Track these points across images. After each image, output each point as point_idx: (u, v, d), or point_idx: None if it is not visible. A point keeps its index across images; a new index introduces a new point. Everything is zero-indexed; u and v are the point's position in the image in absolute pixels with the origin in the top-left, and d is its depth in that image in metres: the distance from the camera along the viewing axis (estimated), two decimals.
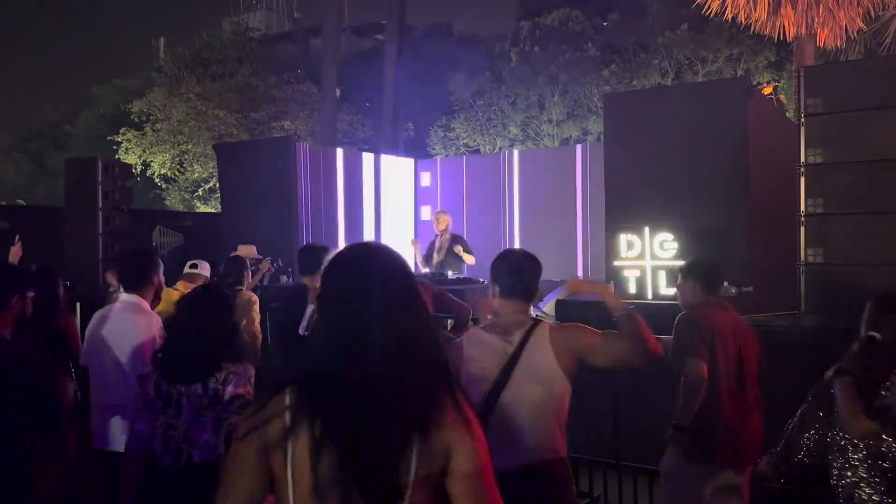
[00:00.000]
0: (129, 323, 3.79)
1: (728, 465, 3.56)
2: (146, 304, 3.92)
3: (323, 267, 1.64)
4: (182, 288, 5.29)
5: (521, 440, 2.63)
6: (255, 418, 1.54)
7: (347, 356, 1.53)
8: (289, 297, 4.94)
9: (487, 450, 1.59)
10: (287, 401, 1.53)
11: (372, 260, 1.62)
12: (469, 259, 8.07)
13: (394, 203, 11.51)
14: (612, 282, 6.19)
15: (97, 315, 3.96)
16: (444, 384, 1.58)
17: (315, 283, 5.09)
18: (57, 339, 4.13)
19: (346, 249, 1.67)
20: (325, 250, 5.36)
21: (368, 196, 11.11)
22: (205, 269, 5.64)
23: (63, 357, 4.11)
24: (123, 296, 3.93)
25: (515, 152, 11.62)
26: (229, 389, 2.97)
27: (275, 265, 7.71)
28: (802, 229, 5.13)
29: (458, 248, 8.09)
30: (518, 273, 2.82)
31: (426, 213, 11.60)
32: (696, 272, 3.83)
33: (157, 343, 3.66)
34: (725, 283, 5.79)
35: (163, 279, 4.12)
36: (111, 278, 7.27)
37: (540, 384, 2.63)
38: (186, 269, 5.61)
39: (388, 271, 1.60)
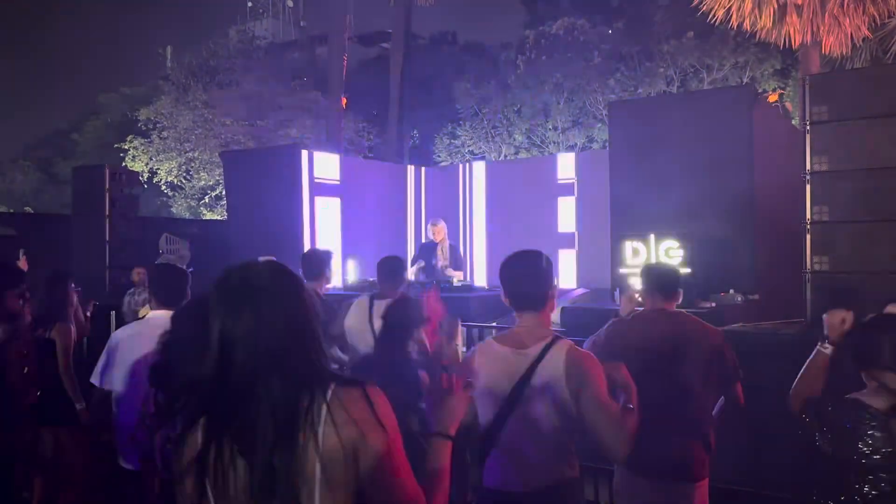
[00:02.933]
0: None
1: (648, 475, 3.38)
2: None
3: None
4: None
5: (531, 460, 2.52)
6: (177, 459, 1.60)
7: (225, 363, 1.57)
8: None
9: (400, 444, 1.59)
10: (199, 434, 1.58)
11: (249, 270, 1.65)
12: (458, 275, 8.15)
13: (396, 211, 11.56)
14: (617, 290, 6.19)
15: (124, 334, 3.71)
16: (321, 382, 1.58)
17: (319, 288, 5.08)
18: (45, 347, 4.10)
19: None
20: (329, 255, 5.34)
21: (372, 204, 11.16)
22: None
23: (49, 365, 4.07)
24: (157, 312, 3.68)
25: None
26: None
27: None
28: (808, 237, 5.11)
29: (450, 268, 8.20)
30: (523, 282, 2.64)
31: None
32: (648, 279, 3.63)
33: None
34: (731, 291, 5.80)
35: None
36: (139, 276, 7.12)
37: (552, 404, 2.48)
38: None
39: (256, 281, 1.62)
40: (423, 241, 8.90)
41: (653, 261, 5.83)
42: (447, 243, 8.41)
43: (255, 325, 1.55)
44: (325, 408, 1.53)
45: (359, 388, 1.59)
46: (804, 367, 2.89)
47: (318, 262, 4.92)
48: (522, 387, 2.49)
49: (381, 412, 1.57)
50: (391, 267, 4.68)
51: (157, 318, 3.66)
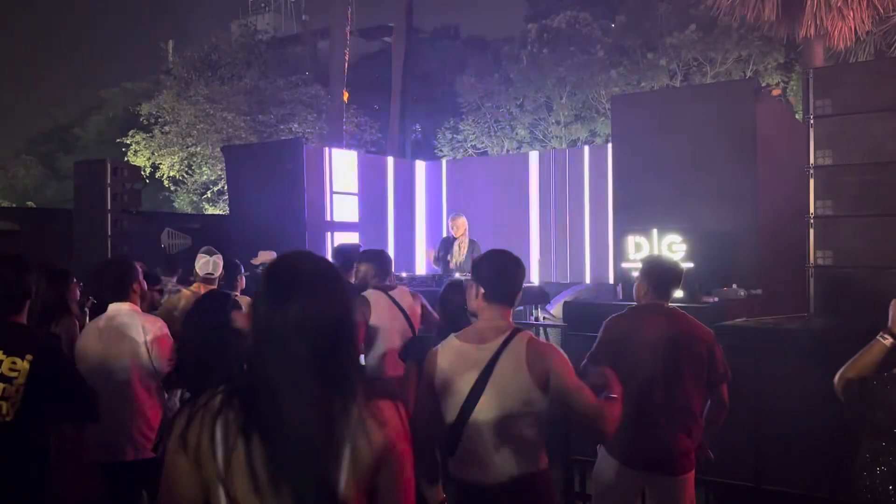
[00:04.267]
0: (137, 327, 3.75)
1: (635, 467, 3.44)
2: (140, 310, 3.91)
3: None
4: (195, 289, 5.28)
5: (496, 454, 2.54)
6: (183, 421, 1.57)
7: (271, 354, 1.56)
8: None
9: (412, 462, 1.63)
10: (217, 403, 1.56)
11: (299, 261, 1.65)
12: None
13: (402, 205, 11.55)
14: (620, 285, 6.17)
15: (90, 327, 3.89)
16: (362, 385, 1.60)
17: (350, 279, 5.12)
18: (54, 342, 4.14)
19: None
20: (358, 248, 5.37)
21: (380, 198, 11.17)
22: (217, 268, 5.48)
23: None
24: (116, 305, 3.84)
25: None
26: None
27: None
28: (811, 231, 5.09)
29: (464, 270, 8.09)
30: (504, 276, 2.71)
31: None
32: (645, 273, 3.66)
33: (171, 340, 3.69)
34: (734, 285, 5.78)
35: (144, 284, 4.09)
36: (167, 278, 7.10)
37: (515, 398, 2.52)
38: (201, 272, 5.46)
39: (305, 274, 1.62)
40: (444, 235, 8.78)
41: (655, 254, 5.81)
42: (466, 240, 8.19)
43: (300, 315, 1.54)
44: (356, 409, 1.55)
45: (388, 396, 1.63)
46: (858, 354, 2.87)
47: (349, 256, 4.98)
48: (484, 380, 2.54)
49: (407, 424, 1.62)
50: (346, 257, 4.73)
51: (119, 309, 3.82)
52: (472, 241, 8.18)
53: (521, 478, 2.54)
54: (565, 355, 2.62)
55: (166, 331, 3.81)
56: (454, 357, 2.64)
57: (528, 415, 2.53)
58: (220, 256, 5.39)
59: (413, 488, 1.64)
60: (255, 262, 7.31)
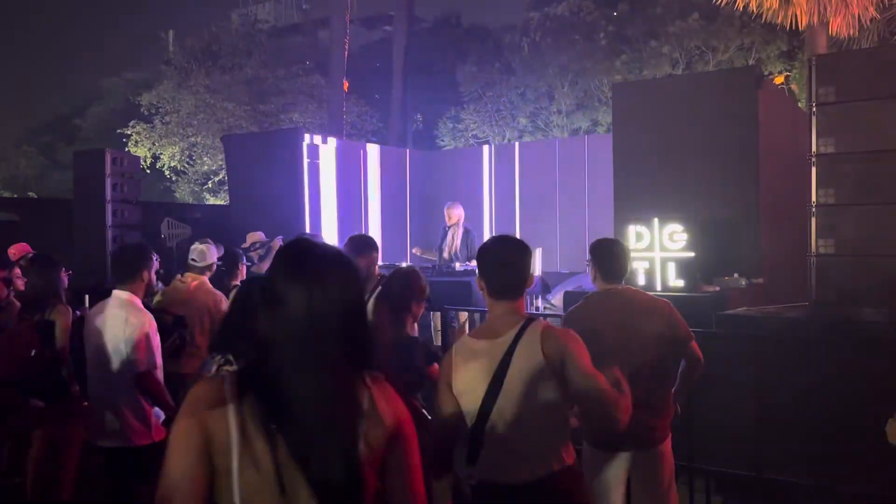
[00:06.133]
0: (121, 320, 3.80)
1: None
2: (139, 301, 3.94)
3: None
4: (188, 279, 5.27)
5: (520, 450, 2.47)
6: (194, 400, 1.55)
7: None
8: None
9: (418, 450, 1.66)
10: (226, 385, 1.54)
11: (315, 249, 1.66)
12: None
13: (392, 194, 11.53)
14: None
15: (92, 311, 4.00)
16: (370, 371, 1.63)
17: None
18: (47, 329, 4.14)
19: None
20: (373, 240, 5.40)
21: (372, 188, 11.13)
22: (209, 258, 5.47)
23: (51, 346, 4.13)
24: (116, 292, 3.92)
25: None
26: None
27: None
28: (813, 220, 5.07)
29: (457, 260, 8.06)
30: (507, 268, 2.58)
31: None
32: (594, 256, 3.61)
33: (151, 340, 3.74)
34: (735, 274, 5.76)
35: (153, 276, 4.15)
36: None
37: (533, 392, 2.43)
38: (194, 263, 5.46)
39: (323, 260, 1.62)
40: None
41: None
42: (460, 229, 8.22)
43: (321, 301, 1.54)
44: (367, 393, 1.59)
45: (387, 380, 1.67)
46: None
47: (364, 246, 4.96)
48: (501, 377, 2.45)
49: (408, 405, 1.69)
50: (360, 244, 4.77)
51: (117, 295, 3.91)
52: (466, 230, 8.20)
53: (546, 475, 2.46)
54: (581, 341, 2.55)
55: (147, 329, 3.82)
56: (468, 356, 2.54)
57: (549, 408, 2.45)
58: (209, 245, 5.38)
59: (420, 470, 1.66)
60: (245, 245, 7.32)
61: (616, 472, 3.53)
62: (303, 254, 1.61)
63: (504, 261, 2.59)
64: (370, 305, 3.91)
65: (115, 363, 3.77)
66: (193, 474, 1.49)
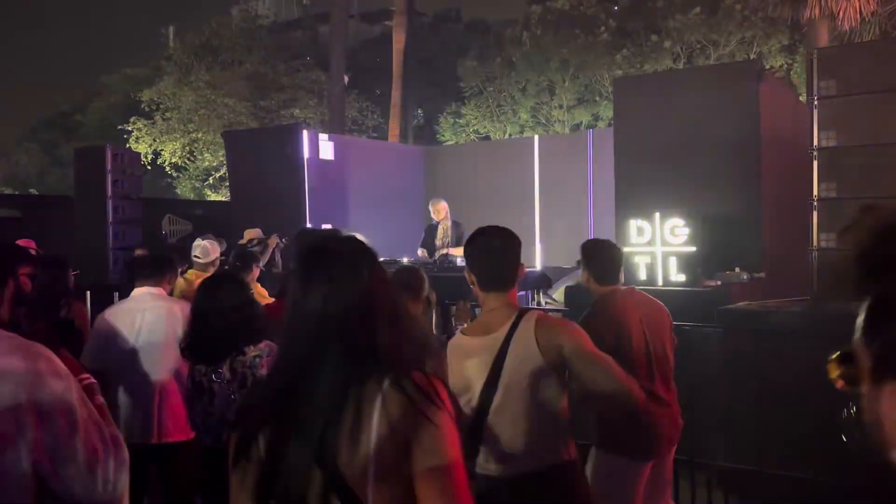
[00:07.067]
0: (168, 311, 3.76)
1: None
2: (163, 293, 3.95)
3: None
4: (192, 277, 5.27)
5: (518, 445, 2.42)
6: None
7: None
8: None
9: (457, 442, 1.50)
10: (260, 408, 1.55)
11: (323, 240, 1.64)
12: (458, 252, 8.06)
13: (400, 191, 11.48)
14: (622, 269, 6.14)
15: (119, 312, 3.84)
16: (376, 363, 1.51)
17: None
18: (66, 328, 4.14)
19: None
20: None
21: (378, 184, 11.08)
22: (213, 253, 5.47)
23: (71, 346, 4.13)
24: (143, 288, 3.88)
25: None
26: (261, 373, 3.01)
27: (283, 240, 7.72)
28: (815, 214, 5.06)
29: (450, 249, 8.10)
30: (497, 260, 2.49)
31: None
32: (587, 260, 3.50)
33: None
34: (737, 269, 5.75)
35: (170, 286, 4.19)
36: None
37: (530, 386, 2.38)
38: (197, 260, 5.45)
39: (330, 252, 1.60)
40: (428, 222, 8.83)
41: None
42: (449, 222, 8.36)
43: (328, 294, 1.52)
44: (379, 395, 1.46)
45: (420, 368, 1.54)
46: None
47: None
48: (496, 373, 2.40)
49: (442, 404, 1.49)
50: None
51: (151, 292, 3.86)
52: (455, 223, 8.33)
53: (546, 469, 2.42)
54: (579, 327, 2.49)
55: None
56: (463, 354, 2.50)
57: (548, 402, 2.41)
58: (211, 241, 5.37)
59: (457, 459, 1.50)
60: (243, 242, 7.32)
61: (641, 479, 3.35)
62: (308, 253, 1.60)
63: (490, 249, 2.50)
64: None
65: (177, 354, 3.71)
66: None
